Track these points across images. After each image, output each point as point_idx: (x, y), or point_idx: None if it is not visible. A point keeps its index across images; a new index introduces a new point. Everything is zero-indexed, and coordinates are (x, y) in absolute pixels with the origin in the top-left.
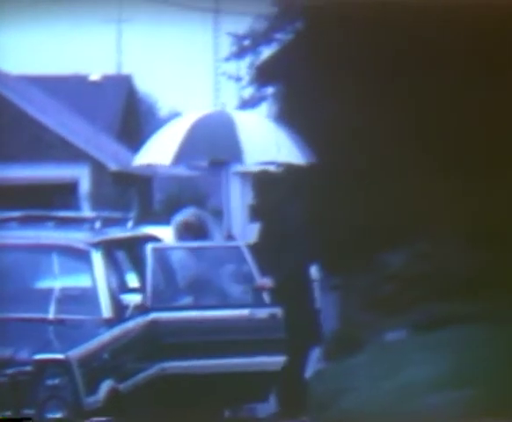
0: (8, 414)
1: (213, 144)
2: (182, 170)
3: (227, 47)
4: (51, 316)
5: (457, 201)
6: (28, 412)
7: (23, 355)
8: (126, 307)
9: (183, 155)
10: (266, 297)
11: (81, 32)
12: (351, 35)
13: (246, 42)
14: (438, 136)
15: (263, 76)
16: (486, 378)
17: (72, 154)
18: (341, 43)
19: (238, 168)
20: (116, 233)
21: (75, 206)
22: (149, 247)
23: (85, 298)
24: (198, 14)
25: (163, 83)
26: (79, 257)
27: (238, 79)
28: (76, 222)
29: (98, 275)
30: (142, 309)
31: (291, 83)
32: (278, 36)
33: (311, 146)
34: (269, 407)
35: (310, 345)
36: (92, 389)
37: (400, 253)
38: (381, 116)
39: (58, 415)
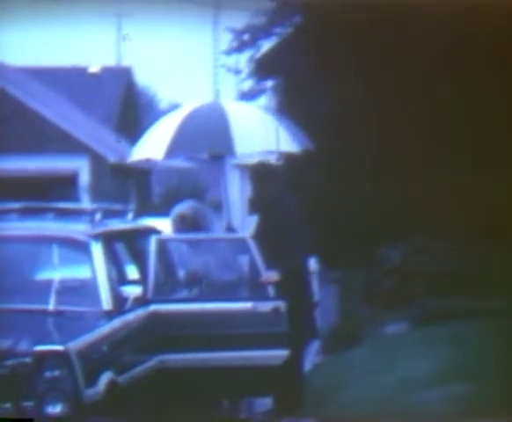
0: (7, 406)
1: (205, 136)
2: (180, 163)
3: (226, 40)
4: (51, 307)
5: (456, 198)
6: (27, 404)
7: (22, 347)
8: (126, 299)
9: (175, 148)
10: (269, 290)
11: (81, 24)
12: (349, 29)
13: (246, 36)
14: (437, 133)
15: (262, 69)
16: (484, 372)
17: (72, 146)
18: (339, 37)
19: (237, 161)
20: (116, 225)
21: (74, 198)
22: (153, 238)
23: (85, 290)
24: (198, 7)
25: (162, 76)
26: (79, 248)
27: (238, 72)
28: (76, 214)
29: (98, 267)
30: (142, 301)
31: (290, 76)
32: (277, 30)
33: (310, 139)
34: (267, 402)
35: (306, 340)
36: (92, 381)
37: (399, 248)
38: (379, 110)
39: (58, 407)
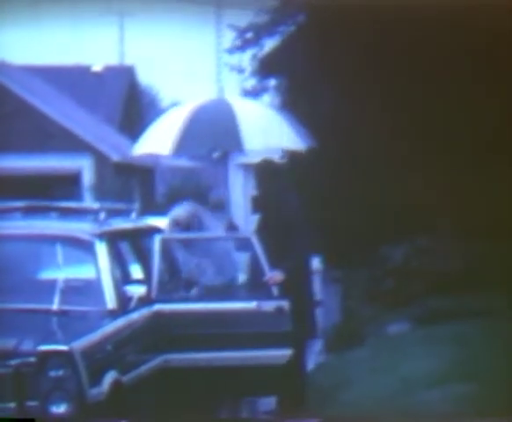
0: (11, 405)
1: (213, 134)
2: (184, 162)
3: (229, 38)
4: (55, 307)
5: (457, 197)
6: (31, 404)
7: (26, 346)
8: (130, 298)
9: (183, 145)
10: (273, 290)
11: (83, 23)
12: (351, 29)
13: (249, 35)
14: (438, 132)
15: (265, 67)
16: (485, 372)
17: (75, 145)
18: (342, 36)
19: (241, 159)
20: (120, 224)
21: (77, 197)
22: (157, 237)
23: (89, 289)
24: (200, 6)
25: (165, 75)
26: (83, 247)
27: (241, 70)
28: (80, 213)
29: (103, 266)
30: (146, 301)
31: (293, 75)
32: (280, 29)
33: (313, 137)
34: (270, 401)
35: (307, 339)
36: (96, 380)
37: (401, 247)
38: (382, 109)
39: (62, 406)
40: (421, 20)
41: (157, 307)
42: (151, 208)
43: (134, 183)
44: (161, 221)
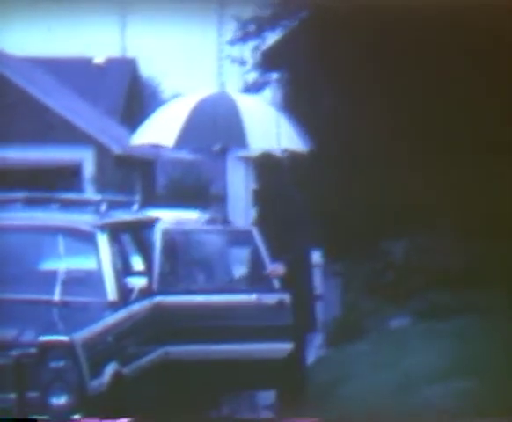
0: (12, 396)
1: (216, 128)
2: (185, 154)
3: (231, 30)
4: (56, 298)
5: (457, 193)
6: (32, 395)
7: (27, 337)
8: (131, 290)
9: (186, 138)
10: (274, 283)
11: (86, 15)
12: (352, 28)
13: (251, 27)
14: (438, 131)
15: (268, 61)
16: (486, 368)
17: (76, 136)
18: (343, 36)
19: (242, 153)
20: (121, 216)
21: (78, 188)
22: (158, 228)
23: (90, 280)
24: None
25: (166, 67)
26: (85, 239)
27: (242, 63)
28: (82, 205)
29: (104, 258)
30: (147, 293)
31: (295, 69)
32: (282, 23)
33: (314, 133)
34: (270, 395)
35: (307, 332)
36: (97, 372)
37: (401, 242)
38: (383, 107)
39: (62, 398)
40: (422, 20)
41: (158, 299)
42: (152, 200)
43: (135, 175)
44: (162, 214)
